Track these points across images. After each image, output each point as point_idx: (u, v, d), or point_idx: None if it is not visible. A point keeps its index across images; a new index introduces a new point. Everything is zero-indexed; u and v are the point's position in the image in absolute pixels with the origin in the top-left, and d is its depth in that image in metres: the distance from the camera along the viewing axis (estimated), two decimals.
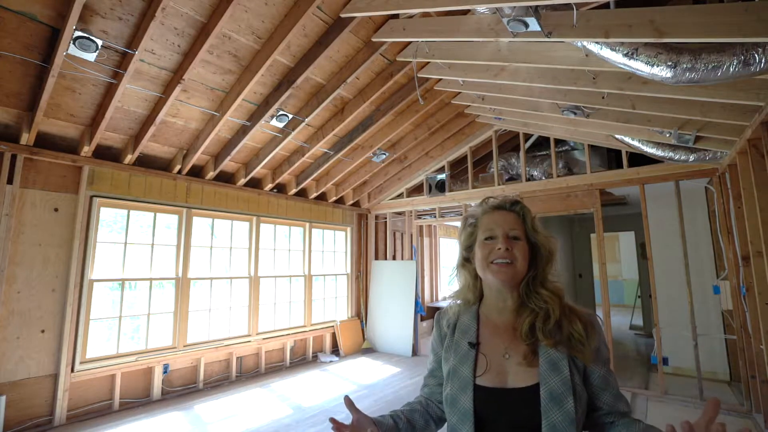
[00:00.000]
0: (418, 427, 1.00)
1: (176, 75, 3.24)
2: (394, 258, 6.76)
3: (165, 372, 4.12)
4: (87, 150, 3.59)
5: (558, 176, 5.00)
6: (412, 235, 6.58)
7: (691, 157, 3.75)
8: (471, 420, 0.86)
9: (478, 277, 0.98)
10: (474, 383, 0.89)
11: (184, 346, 4.32)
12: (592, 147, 4.95)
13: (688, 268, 4.10)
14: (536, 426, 0.81)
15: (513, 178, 5.80)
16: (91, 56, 2.77)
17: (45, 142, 3.48)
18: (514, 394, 0.85)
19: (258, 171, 5.04)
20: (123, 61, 2.99)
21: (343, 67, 3.72)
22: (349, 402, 0.90)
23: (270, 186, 5.27)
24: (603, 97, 3.33)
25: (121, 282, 3.97)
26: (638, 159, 4.53)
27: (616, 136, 4.08)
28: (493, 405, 0.86)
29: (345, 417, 3.49)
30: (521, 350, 0.89)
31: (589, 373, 0.88)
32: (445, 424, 0.99)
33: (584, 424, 0.87)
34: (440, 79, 4.24)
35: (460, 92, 4.56)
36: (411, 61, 3.71)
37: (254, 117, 3.98)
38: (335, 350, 6.08)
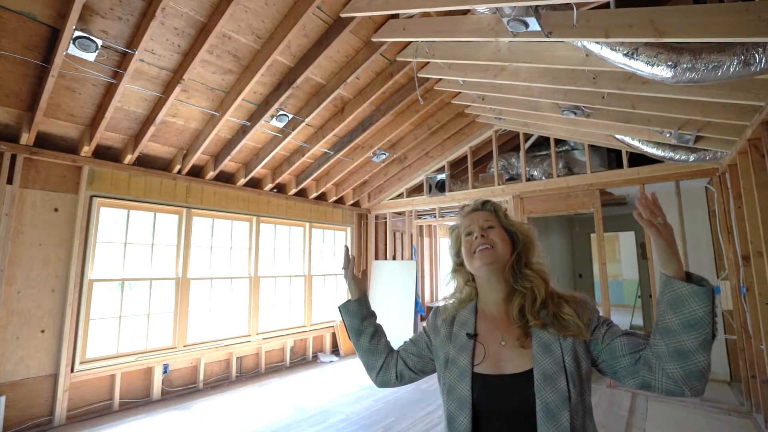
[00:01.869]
0: (380, 344, 1.17)
1: (176, 75, 3.24)
2: (394, 258, 6.76)
3: (165, 372, 4.11)
4: (87, 150, 3.59)
5: (558, 176, 4.99)
6: (412, 235, 6.58)
7: (692, 157, 3.75)
8: (468, 407, 0.89)
9: (472, 278, 1.06)
10: (472, 371, 0.92)
11: (184, 346, 4.32)
12: (592, 147, 4.95)
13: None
14: (531, 408, 0.83)
15: (513, 178, 5.79)
16: (91, 56, 2.77)
17: (45, 142, 3.48)
18: (511, 380, 0.88)
19: (258, 171, 5.04)
20: (123, 61, 2.99)
21: (343, 67, 3.72)
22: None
23: (270, 186, 5.27)
24: (603, 97, 3.33)
25: (121, 282, 3.97)
26: (638, 159, 4.53)
27: (616, 136, 4.08)
28: (489, 392, 0.89)
29: (345, 417, 3.50)
30: (515, 334, 0.93)
31: (593, 345, 0.90)
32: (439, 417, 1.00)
33: (633, 374, 0.84)
34: (440, 79, 4.24)
35: (460, 92, 4.55)
36: (411, 61, 3.71)
37: (254, 117, 3.98)
38: (335, 350, 6.08)
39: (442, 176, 5.95)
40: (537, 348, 0.88)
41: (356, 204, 6.81)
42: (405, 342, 1.18)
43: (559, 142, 5.20)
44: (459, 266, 1.09)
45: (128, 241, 4.05)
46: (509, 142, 6.24)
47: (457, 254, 1.08)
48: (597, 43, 2.29)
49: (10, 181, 3.28)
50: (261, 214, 5.30)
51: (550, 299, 0.94)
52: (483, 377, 0.90)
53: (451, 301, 1.10)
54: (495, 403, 0.88)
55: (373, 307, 5.70)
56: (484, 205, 1.07)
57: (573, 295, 0.96)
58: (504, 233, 1.00)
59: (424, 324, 1.16)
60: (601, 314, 0.95)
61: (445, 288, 1.13)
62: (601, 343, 0.88)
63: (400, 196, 6.60)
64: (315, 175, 5.42)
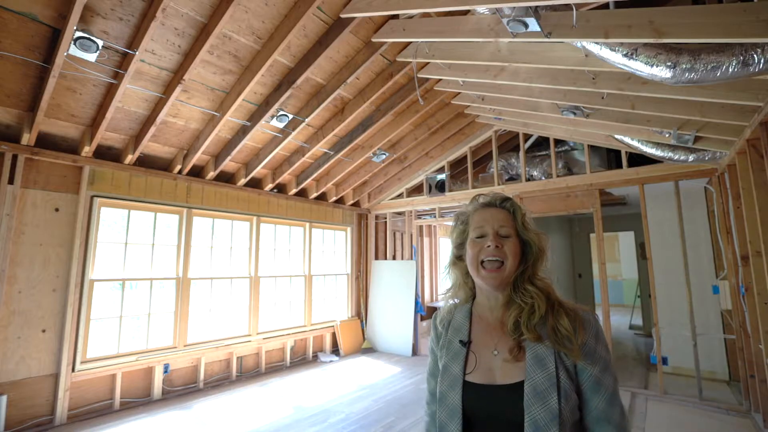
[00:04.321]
0: None
1: (177, 75, 3.25)
2: (394, 258, 6.76)
3: (165, 372, 4.12)
4: (87, 150, 3.60)
5: (558, 176, 5.00)
6: (412, 235, 6.58)
7: (691, 157, 3.76)
8: (459, 416, 0.87)
9: (470, 274, 0.97)
10: (463, 380, 0.89)
11: (185, 346, 4.33)
12: (592, 147, 4.96)
13: (688, 267, 4.11)
14: (521, 422, 0.81)
15: (513, 178, 5.80)
16: (91, 56, 2.78)
17: (46, 142, 3.49)
18: (502, 391, 0.85)
19: (258, 171, 5.05)
20: (123, 61, 3.00)
21: (343, 68, 3.73)
22: None
23: (270, 186, 5.27)
24: (603, 98, 3.34)
25: (121, 282, 3.98)
26: (638, 159, 4.53)
27: (616, 136, 4.08)
28: (481, 401, 0.87)
29: (345, 417, 3.50)
30: (508, 345, 0.89)
31: (579, 372, 0.85)
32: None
33: (575, 428, 0.84)
34: (440, 80, 4.24)
35: (459, 92, 4.56)
36: (411, 62, 3.72)
37: (254, 117, 3.99)
38: (335, 350, 6.09)
39: (442, 176, 5.95)
40: (530, 361, 0.84)
41: (356, 204, 6.82)
42: (427, 380, 1.05)
43: (558, 142, 5.20)
44: (458, 259, 1.01)
45: (129, 241, 4.06)
46: (509, 143, 6.24)
47: (459, 246, 1.00)
48: (596, 43, 2.29)
49: (11, 181, 3.29)
50: (261, 214, 5.31)
51: (550, 309, 0.89)
52: (474, 386, 0.88)
53: (449, 302, 1.05)
54: (486, 412, 0.86)
55: (373, 308, 5.64)
56: (503, 203, 0.96)
57: (575, 309, 0.89)
58: (518, 245, 0.91)
59: (429, 340, 1.08)
60: (605, 345, 0.88)
61: (444, 282, 1.07)
62: (585, 383, 0.84)
63: (400, 196, 6.61)
64: (315, 175, 5.43)
